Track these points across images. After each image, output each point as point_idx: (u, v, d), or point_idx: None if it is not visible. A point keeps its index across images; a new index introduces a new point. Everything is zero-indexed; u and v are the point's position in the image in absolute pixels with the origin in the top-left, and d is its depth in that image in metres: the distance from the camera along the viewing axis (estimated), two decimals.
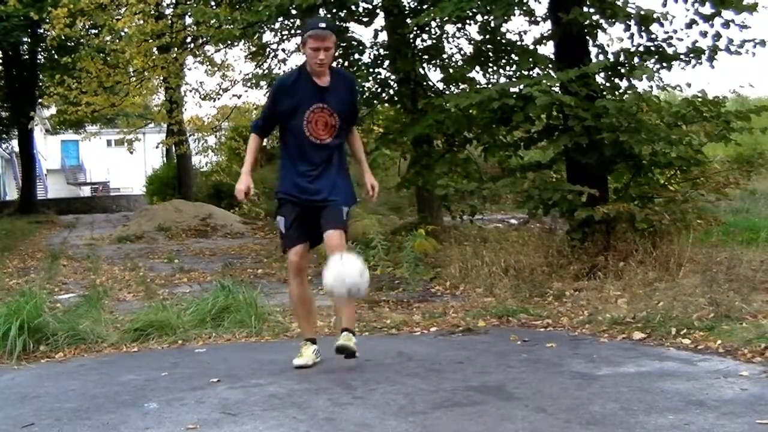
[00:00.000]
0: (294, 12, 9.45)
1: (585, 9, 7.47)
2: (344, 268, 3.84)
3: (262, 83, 10.92)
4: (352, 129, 4.45)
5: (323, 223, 4.13)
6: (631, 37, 7.67)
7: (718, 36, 7.61)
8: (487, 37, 9.23)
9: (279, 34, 14.34)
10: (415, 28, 9.22)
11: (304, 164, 4.19)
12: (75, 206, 28.95)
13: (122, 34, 16.27)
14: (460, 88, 9.76)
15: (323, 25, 4.15)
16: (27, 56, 23.26)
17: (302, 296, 4.26)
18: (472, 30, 10.34)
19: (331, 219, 4.13)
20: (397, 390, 3.62)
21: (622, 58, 7.62)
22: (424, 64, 10.37)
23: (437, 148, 9.64)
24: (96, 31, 17.65)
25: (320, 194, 4.16)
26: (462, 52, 10.77)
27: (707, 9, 7.56)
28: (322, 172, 4.19)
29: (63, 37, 17.30)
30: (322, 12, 9.44)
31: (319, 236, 4.18)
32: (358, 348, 4.09)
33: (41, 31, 19.67)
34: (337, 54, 10.30)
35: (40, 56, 23.34)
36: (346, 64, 9.99)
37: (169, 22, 16.21)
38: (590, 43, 7.91)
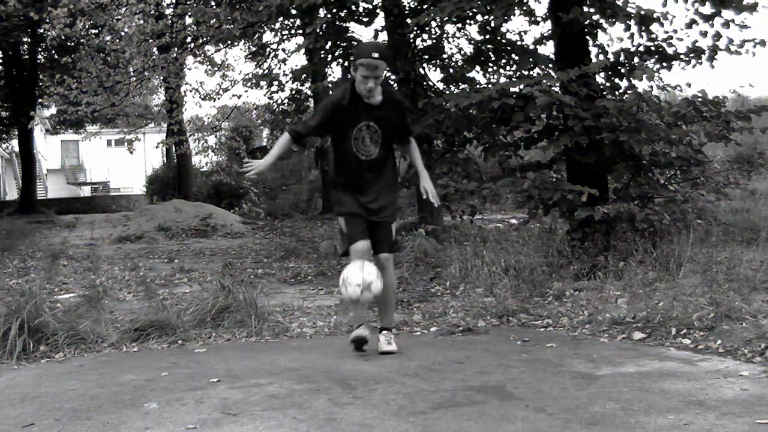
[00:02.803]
0: (294, 12, 9.45)
1: (585, 9, 7.47)
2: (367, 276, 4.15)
3: (262, 83, 10.94)
4: (410, 140, 4.67)
5: (376, 242, 4.41)
6: (631, 37, 7.67)
7: (718, 36, 7.62)
8: (487, 37, 9.23)
9: (279, 34, 14.37)
10: (415, 28, 9.23)
11: (352, 179, 4.43)
12: (75, 206, 28.99)
13: (122, 34, 16.27)
14: (460, 88, 9.76)
15: (376, 54, 4.26)
16: (27, 56, 23.29)
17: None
18: (472, 30, 10.36)
19: (384, 241, 4.43)
20: (397, 390, 3.62)
21: (622, 58, 7.62)
22: (424, 64, 10.37)
23: (437, 147, 9.64)
24: (96, 31, 17.66)
25: (371, 205, 4.41)
26: (462, 52, 10.77)
27: (707, 9, 7.57)
28: (370, 186, 4.42)
29: (63, 37, 17.31)
30: (322, 12, 9.44)
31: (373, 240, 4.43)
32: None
33: (41, 31, 19.67)
34: (337, 54, 10.35)
35: (40, 56, 23.36)
36: (346, 64, 9.99)
37: (169, 22, 16.21)
38: (590, 43, 7.91)
